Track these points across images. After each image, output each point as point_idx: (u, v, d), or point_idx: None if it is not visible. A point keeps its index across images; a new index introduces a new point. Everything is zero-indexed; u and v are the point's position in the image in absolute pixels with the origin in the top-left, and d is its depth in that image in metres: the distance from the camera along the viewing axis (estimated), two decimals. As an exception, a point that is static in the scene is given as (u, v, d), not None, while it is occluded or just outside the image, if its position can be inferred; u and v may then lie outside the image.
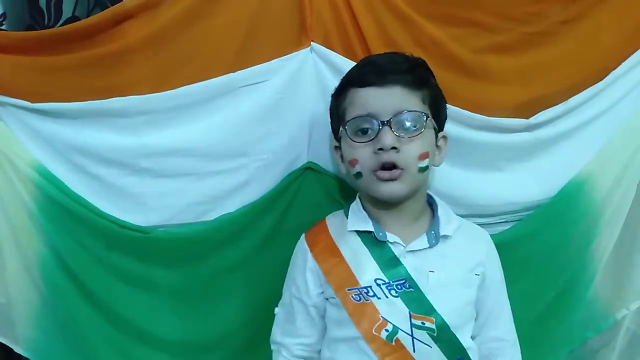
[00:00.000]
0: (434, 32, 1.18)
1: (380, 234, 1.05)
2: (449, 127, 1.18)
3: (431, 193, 1.13)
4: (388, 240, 1.05)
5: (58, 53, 1.13)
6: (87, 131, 1.15)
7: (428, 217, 1.10)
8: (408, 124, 1.01)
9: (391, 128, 1.00)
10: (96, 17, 1.13)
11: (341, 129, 1.05)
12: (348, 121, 1.04)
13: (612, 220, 1.26)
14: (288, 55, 1.15)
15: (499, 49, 1.22)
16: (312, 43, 1.16)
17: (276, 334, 1.12)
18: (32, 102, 1.13)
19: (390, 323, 1.01)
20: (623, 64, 1.24)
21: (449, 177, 1.21)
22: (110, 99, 1.13)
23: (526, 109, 1.22)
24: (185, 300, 1.22)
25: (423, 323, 1.01)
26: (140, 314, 1.21)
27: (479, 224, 1.23)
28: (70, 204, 1.16)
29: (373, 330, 1.01)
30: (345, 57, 1.16)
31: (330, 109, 1.11)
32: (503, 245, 1.22)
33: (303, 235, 1.12)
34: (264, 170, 1.19)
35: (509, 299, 1.24)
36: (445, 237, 1.06)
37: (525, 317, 1.26)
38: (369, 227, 1.06)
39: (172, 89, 1.14)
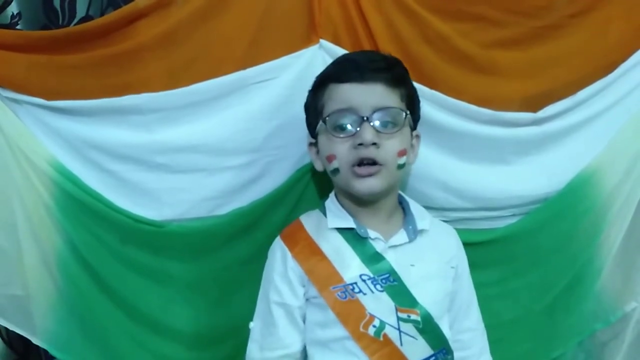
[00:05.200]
0: (441, 28, 1.19)
1: (362, 230, 1.05)
2: (457, 121, 1.20)
3: (400, 192, 1.13)
4: (369, 237, 1.04)
5: (73, 52, 1.15)
6: (102, 128, 1.17)
7: (400, 214, 1.10)
8: (388, 120, 1.01)
9: (371, 124, 1.00)
10: (109, 17, 1.15)
11: (320, 123, 1.05)
12: (328, 115, 1.03)
13: (620, 214, 1.26)
14: (297, 53, 1.17)
15: (507, 43, 1.22)
16: (320, 40, 1.17)
17: (254, 350, 1.07)
18: (48, 99, 1.15)
19: (378, 318, 1.00)
20: (632, 56, 1.24)
21: (456, 171, 1.22)
22: (124, 97, 1.15)
23: (534, 103, 1.23)
24: (199, 293, 1.24)
25: (409, 316, 1.01)
26: (155, 306, 1.23)
27: (487, 217, 1.25)
28: (86, 199, 1.18)
29: (361, 327, 1.00)
30: (354, 53, 1.17)
31: (307, 105, 1.10)
32: (510, 238, 1.25)
33: (278, 237, 1.09)
34: (274, 165, 1.20)
35: (517, 291, 1.27)
36: (422, 231, 1.07)
37: (533, 309, 1.28)
38: (350, 223, 1.05)
39: (184, 87, 1.16)
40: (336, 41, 1.17)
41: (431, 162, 1.21)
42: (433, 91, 1.19)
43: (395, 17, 1.17)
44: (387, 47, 1.16)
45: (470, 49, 1.20)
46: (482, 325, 1.14)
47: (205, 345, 1.26)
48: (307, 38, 1.18)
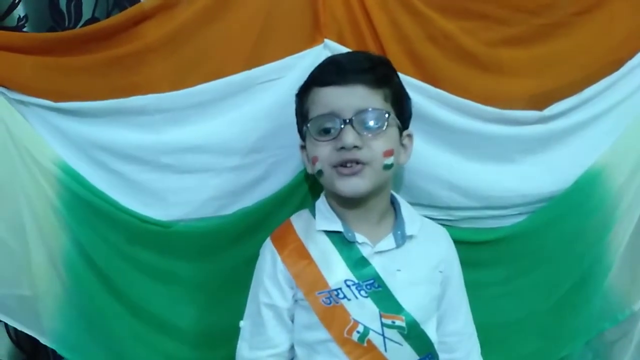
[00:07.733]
0: (446, 26, 1.18)
1: (350, 234, 1.04)
2: (462, 119, 1.20)
3: (393, 192, 1.12)
4: (357, 241, 1.04)
5: (79, 53, 1.15)
6: (108, 129, 1.18)
7: (392, 216, 1.09)
8: (370, 122, 1.00)
9: (353, 126, 0.99)
10: (115, 18, 1.16)
11: (305, 128, 1.05)
12: (310, 120, 1.03)
13: (628, 212, 1.25)
14: (302, 53, 1.17)
15: (512, 42, 1.21)
16: (325, 40, 1.17)
17: (243, 348, 1.08)
18: (54, 101, 1.16)
19: (361, 324, 1.01)
20: (638, 54, 1.23)
21: (462, 170, 1.22)
22: (130, 98, 1.16)
23: (540, 101, 1.22)
24: (205, 292, 1.25)
25: (393, 322, 1.01)
26: (161, 306, 1.24)
27: (493, 216, 1.25)
28: (92, 199, 1.19)
29: (344, 333, 1.00)
30: (358, 52, 1.16)
31: (295, 109, 1.11)
32: (517, 237, 1.24)
33: (269, 238, 1.10)
34: (279, 165, 1.21)
35: (524, 290, 1.27)
36: (411, 236, 1.06)
37: (541, 308, 1.27)
38: (338, 227, 1.05)
39: (189, 87, 1.16)
40: (341, 41, 1.17)
41: (436, 161, 1.21)
42: (438, 90, 1.19)
43: (399, 16, 1.17)
44: (392, 46, 1.17)
45: (475, 47, 1.20)
46: (470, 329, 1.13)
47: (211, 345, 1.26)
48: (311, 38, 1.18)
